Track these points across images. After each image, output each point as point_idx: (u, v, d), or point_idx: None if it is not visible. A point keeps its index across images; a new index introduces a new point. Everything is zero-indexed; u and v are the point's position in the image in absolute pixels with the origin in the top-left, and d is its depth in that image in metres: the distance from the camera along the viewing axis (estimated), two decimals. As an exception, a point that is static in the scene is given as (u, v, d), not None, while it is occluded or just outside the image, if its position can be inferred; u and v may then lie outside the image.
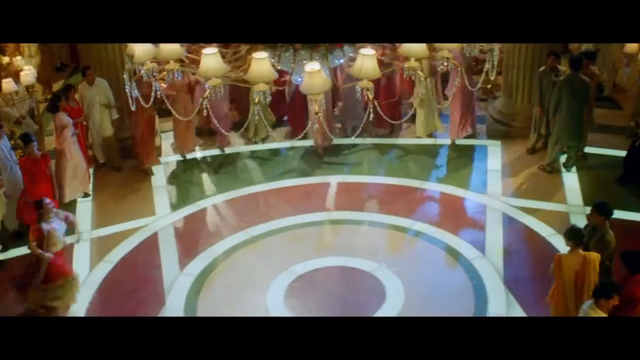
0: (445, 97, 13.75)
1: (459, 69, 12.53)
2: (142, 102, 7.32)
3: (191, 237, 11.29)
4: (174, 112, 12.85)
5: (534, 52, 12.93)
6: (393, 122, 13.26)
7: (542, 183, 12.16)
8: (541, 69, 12.44)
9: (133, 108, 7.63)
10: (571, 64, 11.80)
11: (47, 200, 9.31)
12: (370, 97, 6.58)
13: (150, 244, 11.11)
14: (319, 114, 6.53)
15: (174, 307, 9.72)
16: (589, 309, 7.09)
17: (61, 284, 9.38)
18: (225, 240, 11.06)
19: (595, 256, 7.91)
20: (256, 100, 6.50)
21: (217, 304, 9.75)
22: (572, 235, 7.96)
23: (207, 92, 6.69)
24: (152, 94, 7.06)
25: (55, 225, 9.23)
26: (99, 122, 12.77)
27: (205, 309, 9.63)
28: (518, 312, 9.34)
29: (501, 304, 9.50)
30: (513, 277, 9.98)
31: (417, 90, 13.44)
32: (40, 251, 9.09)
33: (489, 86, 14.97)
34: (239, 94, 13.66)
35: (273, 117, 13.85)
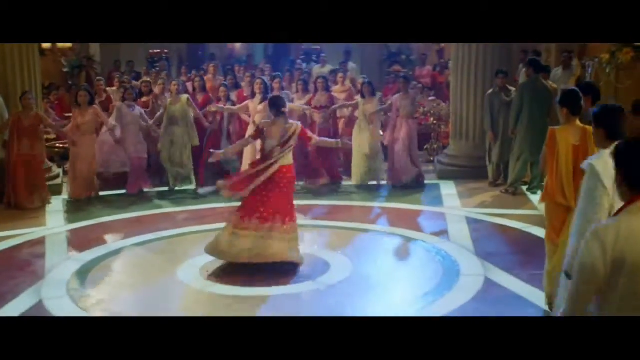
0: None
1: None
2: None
3: (84, 240, 9.05)
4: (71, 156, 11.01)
5: (483, 95, 11.74)
6: (333, 180, 11.61)
7: (506, 201, 10.44)
8: (490, 90, 11.11)
9: None
10: (533, 65, 10.56)
11: None
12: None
13: (34, 243, 8.93)
14: None
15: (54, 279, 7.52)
16: None
17: None
18: (128, 239, 8.96)
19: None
20: None
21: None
22: (566, 100, 6.16)
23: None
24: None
25: None
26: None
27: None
28: (497, 273, 7.37)
29: (477, 267, 7.56)
30: (486, 252, 8.06)
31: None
32: None
33: (435, 146, 13.67)
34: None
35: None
